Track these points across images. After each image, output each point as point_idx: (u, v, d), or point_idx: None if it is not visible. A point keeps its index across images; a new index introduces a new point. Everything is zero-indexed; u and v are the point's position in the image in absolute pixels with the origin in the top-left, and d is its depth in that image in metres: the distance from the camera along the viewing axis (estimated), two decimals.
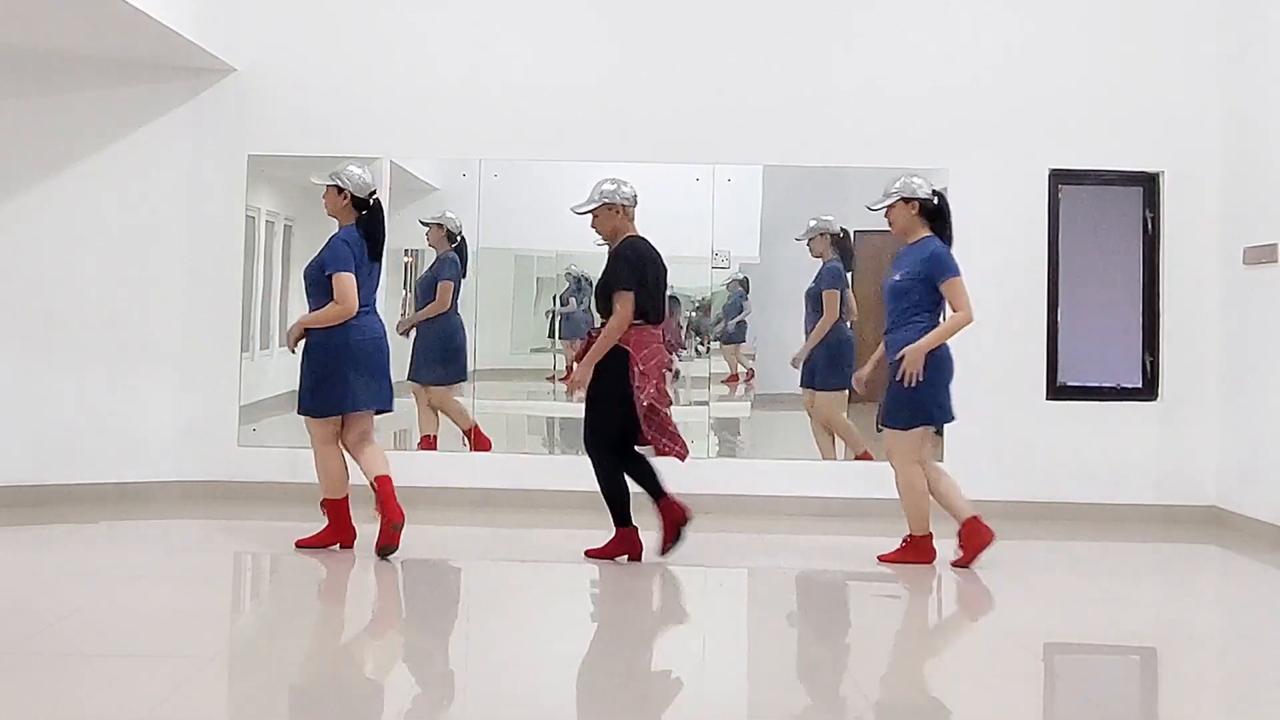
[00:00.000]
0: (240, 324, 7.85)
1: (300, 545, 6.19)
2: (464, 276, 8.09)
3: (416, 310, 8.16)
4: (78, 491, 7.48)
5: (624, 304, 5.96)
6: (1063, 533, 7.32)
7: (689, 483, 7.71)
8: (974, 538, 6.09)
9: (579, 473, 6.44)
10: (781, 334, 8.11)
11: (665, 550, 6.05)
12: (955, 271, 6.03)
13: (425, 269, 8.25)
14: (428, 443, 8.05)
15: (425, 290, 8.13)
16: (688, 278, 8.24)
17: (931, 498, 6.14)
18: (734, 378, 8.48)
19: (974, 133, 7.88)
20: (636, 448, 6.10)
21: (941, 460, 7.75)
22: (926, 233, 6.15)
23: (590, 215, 6.17)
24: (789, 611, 5.75)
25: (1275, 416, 7.15)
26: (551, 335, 8.67)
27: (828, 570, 6.32)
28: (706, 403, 8.20)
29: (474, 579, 6.03)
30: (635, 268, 6.04)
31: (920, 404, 6.02)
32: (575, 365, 6.13)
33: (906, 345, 5.98)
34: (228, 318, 7.80)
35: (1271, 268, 7.20)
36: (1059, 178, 7.90)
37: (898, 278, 6.15)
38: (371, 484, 6.02)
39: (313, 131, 7.83)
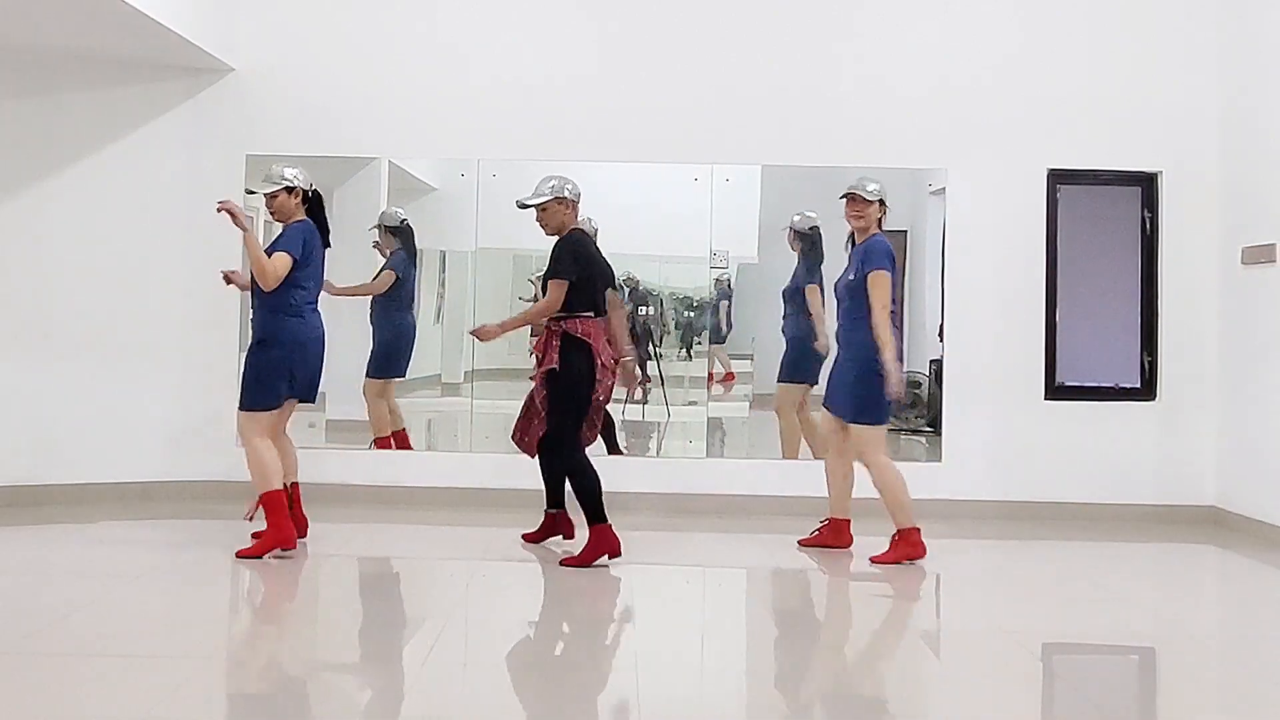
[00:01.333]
0: (238, 324, 7.83)
1: (241, 555, 6.13)
2: (412, 266, 8.13)
3: (371, 304, 8.13)
4: (76, 491, 7.49)
5: (557, 290, 6.00)
6: (1061, 533, 7.32)
7: (686, 482, 7.77)
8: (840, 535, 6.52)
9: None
10: (780, 335, 8.09)
11: (534, 540, 6.48)
12: (884, 265, 6.17)
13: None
14: (399, 439, 8.09)
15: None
16: (686, 277, 8.25)
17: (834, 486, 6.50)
18: (729, 376, 8.47)
19: (973, 133, 7.88)
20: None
21: (940, 460, 7.81)
22: (877, 231, 6.34)
23: (537, 210, 6.20)
24: (784, 611, 5.74)
25: (1274, 416, 7.16)
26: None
27: (823, 570, 6.32)
28: (696, 403, 8.22)
29: (471, 579, 6.02)
30: (578, 259, 6.07)
31: (884, 397, 6.20)
32: (536, 353, 6.21)
33: (861, 344, 6.17)
34: (226, 318, 7.79)
35: (1270, 268, 7.20)
36: (1058, 177, 7.90)
37: (852, 276, 6.28)
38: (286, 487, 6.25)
39: (311, 131, 7.84)
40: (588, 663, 4.71)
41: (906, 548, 6.23)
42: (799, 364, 7.92)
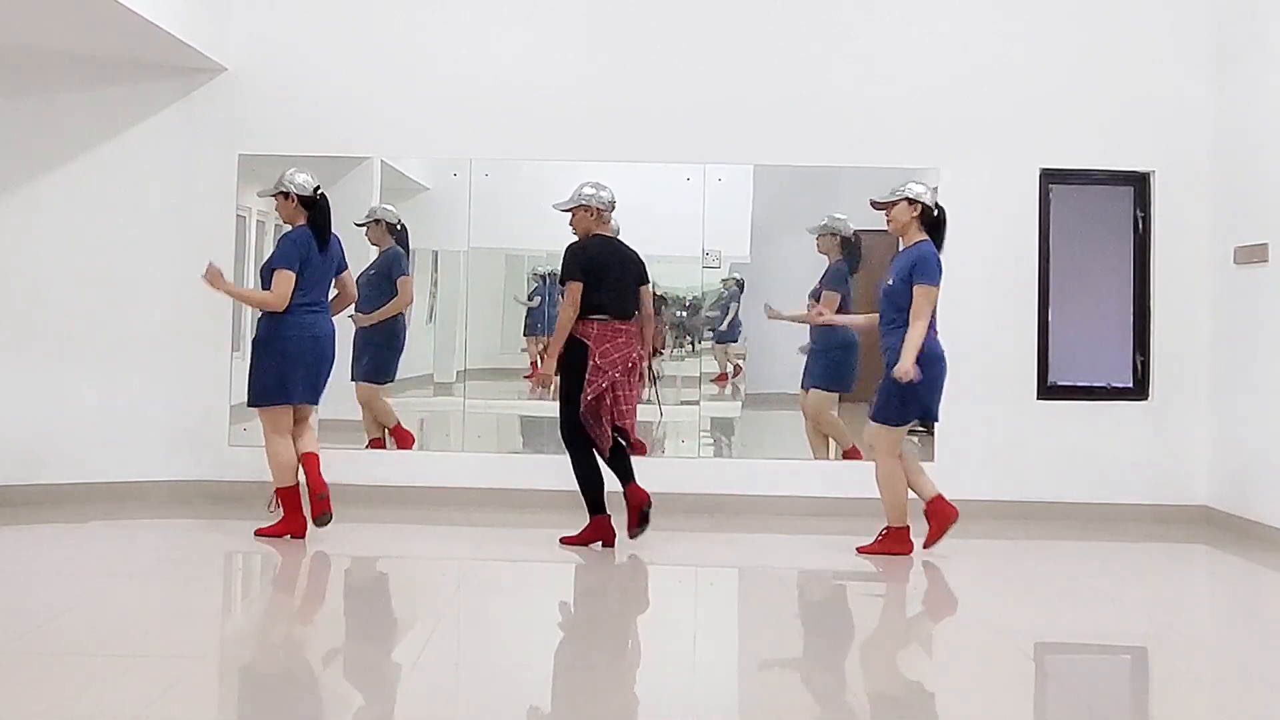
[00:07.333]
0: (231, 323, 7.82)
1: (259, 534, 6.45)
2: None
3: (369, 307, 7.86)
4: (68, 491, 7.47)
5: (569, 294, 6.29)
6: (1053, 532, 7.33)
7: (682, 482, 7.77)
8: (940, 516, 6.30)
9: (569, 472, 6.45)
10: (773, 334, 8.09)
11: (631, 533, 6.35)
12: (931, 280, 6.09)
13: (367, 266, 7.98)
14: (376, 443, 8.03)
15: (374, 287, 7.88)
16: (679, 277, 8.24)
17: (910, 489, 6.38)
18: (722, 376, 8.47)
19: (965, 132, 7.88)
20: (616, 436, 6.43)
21: (932, 460, 7.81)
22: (922, 237, 6.21)
23: (570, 214, 6.50)
24: (779, 610, 5.74)
25: (1266, 416, 7.17)
26: (530, 333, 8.54)
27: (819, 569, 6.32)
28: (698, 402, 8.21)
29: (463, 579, 6.02)
30: (579, 261, 6.32)
31: (909, 402, 6.15)
32: (540, 360, 6.35)
33: (897, 349, 6.10)
34: (218, 317, 7.76)
35: (1262, 267, 7.21)
36: (1050, 177, 7.91)
37: (891, 281, 6.22)
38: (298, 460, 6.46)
39: (303, 131, 7.83)
40: (576, 663, 4.71)
41: (893, 544, 6.35)
42: (830, 371, 7.97)
